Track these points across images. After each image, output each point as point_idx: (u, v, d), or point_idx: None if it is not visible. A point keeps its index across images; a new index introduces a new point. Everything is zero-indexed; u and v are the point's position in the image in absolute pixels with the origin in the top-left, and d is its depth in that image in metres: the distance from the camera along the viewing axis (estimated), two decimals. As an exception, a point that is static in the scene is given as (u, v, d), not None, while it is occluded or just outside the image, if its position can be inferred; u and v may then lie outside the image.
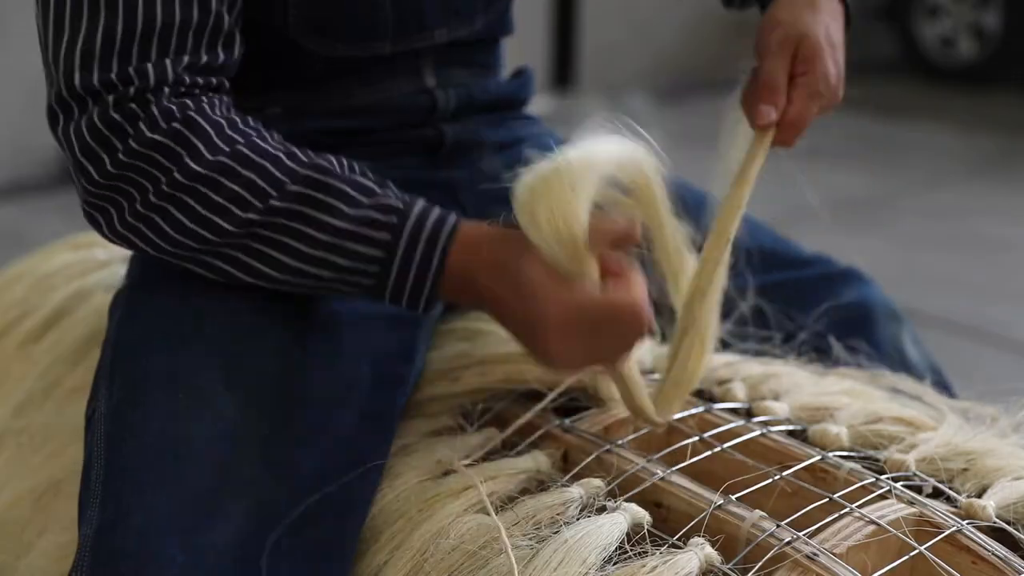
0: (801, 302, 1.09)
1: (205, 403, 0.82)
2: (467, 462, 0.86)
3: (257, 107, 1.01)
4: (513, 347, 0.96)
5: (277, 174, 0.84)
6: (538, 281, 0.79)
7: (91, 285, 1.18)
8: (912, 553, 0.77)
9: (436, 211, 0.85)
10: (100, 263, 1.22)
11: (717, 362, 1.03)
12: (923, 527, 0.80)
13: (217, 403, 0.82)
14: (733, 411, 0.95)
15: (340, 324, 0.92)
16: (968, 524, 0.79)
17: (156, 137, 0.81)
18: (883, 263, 3.36)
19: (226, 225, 0.83)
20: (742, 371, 1.00)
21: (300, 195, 0.83)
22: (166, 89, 0.83)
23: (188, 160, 0.82)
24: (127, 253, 1.22)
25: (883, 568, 0.76)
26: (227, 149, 0.83)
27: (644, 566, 0.73)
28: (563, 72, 5.06)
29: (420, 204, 0.85)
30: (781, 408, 0.95)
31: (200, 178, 0.82)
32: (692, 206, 0.99)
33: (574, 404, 0.94)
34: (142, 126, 0.81)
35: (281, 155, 0.84)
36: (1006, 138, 4.93)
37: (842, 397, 0.97)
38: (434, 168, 1.06)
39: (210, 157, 0.83)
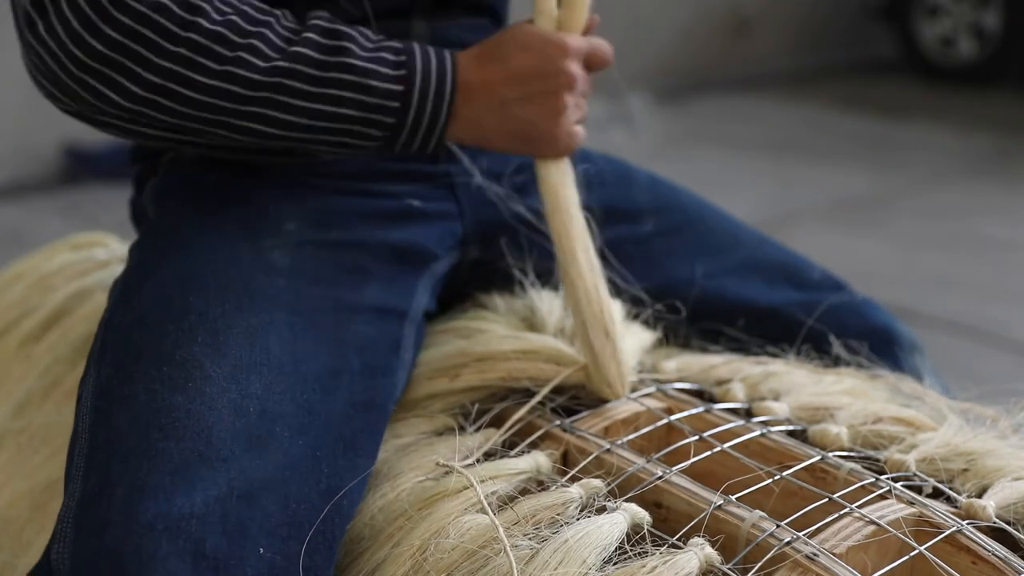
0: (833, 324, 1.09)
1: (193, 377, 0.83)
2: (467, 462, 0.86)
3: None
4: (512, 345, 0.96)
5: (286, 25, 0.90)
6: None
7: (91, 285, 1.18)
8: (912, 553, 0.77)
9: (431, 48, 0.93)
10: (100, 263, 1.22)
11: (716, 362, 1.03)
12: (923, 527, 0.80)
13: (205, 377, 0.83)
14: (733, 411, 0.95)
15: (328, 311, 0.92)
16: (968, 524, 0.79)
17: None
18: (883, 263, 3.37)
19: (250, 75, 0.87)
20: (741, 371, 1.00)
21: (314, 41, 0.89)
22: None
23: (195, 18, 0.87)
24: (127, 252, 1.22)
25: (883, 568, 0.76)
26: (229, 9, 0.88)
27: (644, 566, 0.73)
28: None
29: (416, 45, 0.92)
30: (781, 408, 0.95)
31: (211, 34, 0.87)
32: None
33: (574, 404, 0.94)
34: None
35: (279, 12, 0.91)
36: (1006, 138, 4.93)
37: (842, 397, 0.97)
38: (432, 161, 1.06)
39: (217, 17, 0.87)
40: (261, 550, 0.77)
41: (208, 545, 0.75)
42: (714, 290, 1.11)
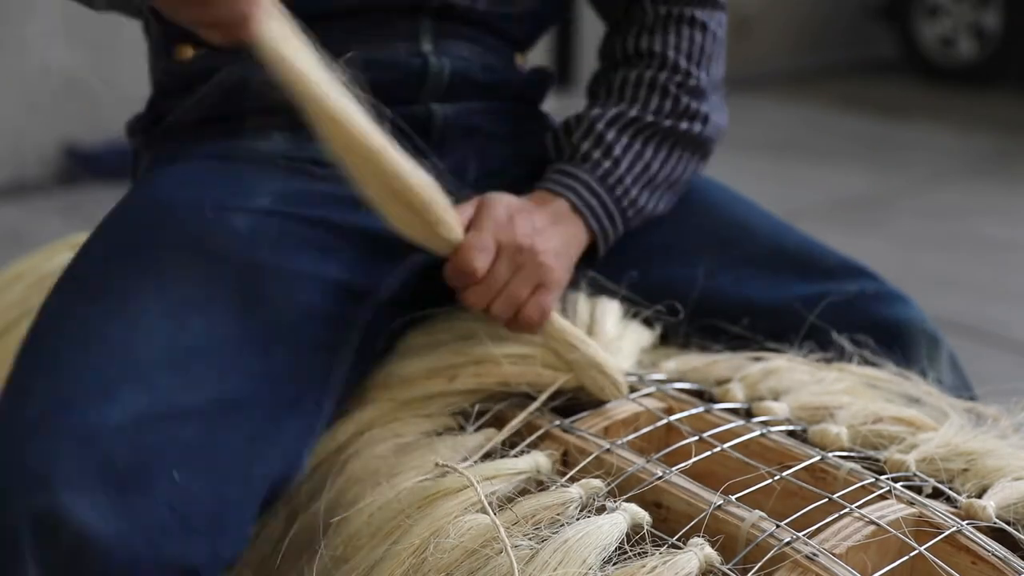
0: (838, 319, 1.06)
1: (132, 309, 0.84)
2: (468, 464, 0.86)
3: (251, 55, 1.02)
4: (509, 349, 0.96)
5: None
6: None
7: (91, 285, 1.18)
8: (912, 553, 0.77)
9: None
10: (100, 263, 1.22)
11: (716, 361, 1.03)
12: (923, 527, 0.80)
13: (144, 310, 0.84)
14: (733, 411, 0.95)
15: (282, 278, 0.93)
16: (968, 524, 0.79)
17: None
18: (883, 263, 3.36)
19: None
20: (741, 370, 1.00)
21: None
22: None
23: None
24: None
25: (883, 568, 0.76)
26: None
27: (644, 566, 0.73)
28: (563, 72, 5.06)
29: None
30: (781, 408, 0.95)
31: None
32: None
33: (574, 404, 0.94)
34: None
35: None
36: (1006, 138, 4.93)
37: (842, 396, 0.97)
38: (422, 155, 1.06)
39: None
40: (176, 475, 0.77)
41: (118, 461, 0.75)
42: (716, 289, 1.08)
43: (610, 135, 1.06)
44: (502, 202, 0.97)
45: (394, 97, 1.04)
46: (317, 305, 0.93)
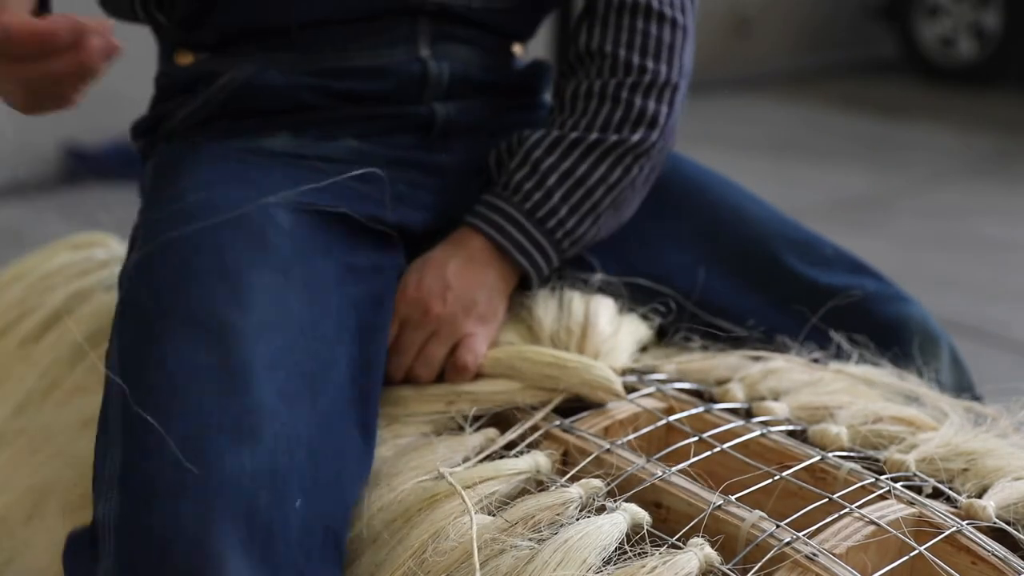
0: (835, 316, 1.05)
1: (220, 337, 0.82)
2: (469, 464, 0.86)
3: (257, 62, 1.02)
4: (500, 387, 0.96)
5: None
6: None
7: (91, 285, 1.18)
8: (912, 553, 0.77)
9: None
10: (100, 263, 1.22)
11: (716, 360, 1.03)
12: (923, 527, 0.80)
13: (236, 333, 0.83)
14: (733, 411, 0.95)
15: (329, 271, 0.93)
16: (968, 524, 0.79)
17: None
18: (883, 263, 3.35)
19: None
20: (741, 370, 1.00)
21: None
22: None
23: None
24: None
25: (883, 568, 0.76)
26: None
27: (644, 566, 0.73)
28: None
29: None
30: (781, 408, 0.95)
31: None
32: None
33: (574, 404, 0.94)
34: None
35: None
36: (1006, 138, 4.93)
37: (842, 396, 0.97)
38: (426, 150, 1.06)
39: None
40: (297, 504, 0.77)
41: (261, 503, 0.75)
42: (708, 279, 1.08)
43: (546, 163, 1.01)
44: (415, 267, 0.99)
45: (396, 99, 1.05)
46: (357, 294, 0.94)
